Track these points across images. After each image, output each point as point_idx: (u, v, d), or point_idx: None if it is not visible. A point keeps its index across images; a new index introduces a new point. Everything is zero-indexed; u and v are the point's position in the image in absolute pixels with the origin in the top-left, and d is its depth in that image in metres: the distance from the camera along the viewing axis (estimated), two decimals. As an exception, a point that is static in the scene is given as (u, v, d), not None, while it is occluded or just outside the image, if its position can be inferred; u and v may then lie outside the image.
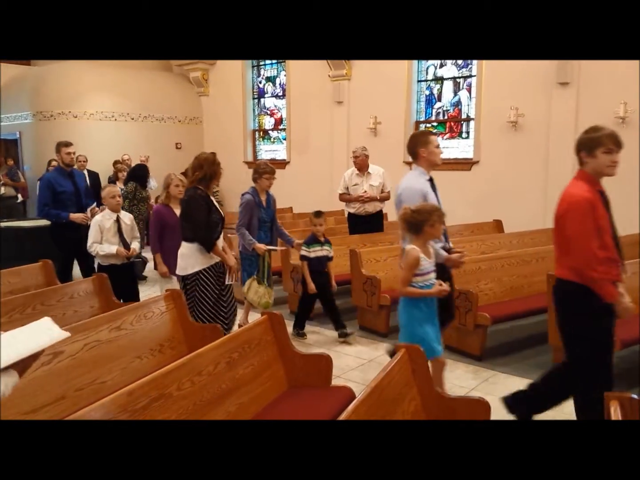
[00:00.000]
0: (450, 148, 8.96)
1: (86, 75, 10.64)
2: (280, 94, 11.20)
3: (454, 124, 8.96)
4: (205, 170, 4.08)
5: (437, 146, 3.78)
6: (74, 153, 5.70)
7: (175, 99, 11.86)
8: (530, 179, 7.92)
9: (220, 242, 4.21)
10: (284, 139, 11.16)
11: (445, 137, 9.03)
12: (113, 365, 3.15)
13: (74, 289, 4.16)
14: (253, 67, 11.56)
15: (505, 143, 8.11)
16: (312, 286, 5.01)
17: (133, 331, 3.39)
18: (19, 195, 9.54)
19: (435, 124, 9.13)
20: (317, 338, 5.22)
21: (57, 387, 2.80)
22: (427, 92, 9.14)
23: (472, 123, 8.63)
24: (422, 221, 3.18)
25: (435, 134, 3.84)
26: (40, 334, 1.43)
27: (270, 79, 11.41)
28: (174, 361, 2.70)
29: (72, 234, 5.50)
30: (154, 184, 8.56)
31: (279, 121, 11.36)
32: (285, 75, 10.93)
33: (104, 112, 10.81)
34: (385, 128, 9.33)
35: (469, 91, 8.68)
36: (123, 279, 4.69)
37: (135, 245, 4.88)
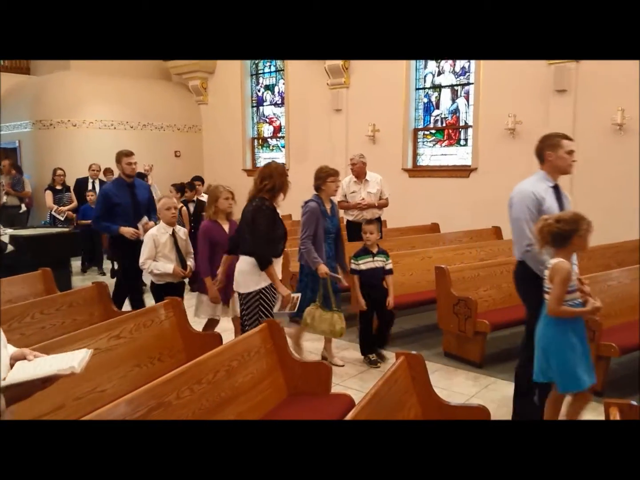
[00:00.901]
0: (449, 155, 8.99)
1: (85, 84, 10.68)
2: (279, 102, 11.24)
3: (452, 132, 8.98)
4: (275, 181, 3.80)
5: (570, 152, 3.49)
6: (135, 163, 5.35)
7: (175, 108, 11.89)
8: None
9: (279, 263, 3.89)
10: (283, 147, 11.19)
11: (443, 144, 9.06)
12: (112, 373, 3.15)
13: (72, 298, 4.16)
14: (252, 75, 11.61)
15: (503, 150, 8.13)
16: (362, 302, 4.57)
17: (132, 339, 3.38)
18: (23, 205, 9.49)
19: (433, 131, 9.16)
20: (317, 346, 5.21)
21: (56, 396, 2.79)
22: (425, 100, 9.18)
23: (470, 130, 8.66)
24: (570, 231, 2.87)
25: (570, 138, 3.57)
26: (59, 362, 1.47)
27: (269, 87, 11.45)
28: (174, 369, 2.69)
29: (127, 248, 5.09)
30: (158, 193, 8.43)
31: (277, 129, 11.39)
32: (283, 84, 10.98)
33: (103, 120, 10.83)
34: (383, 135, 9.36)
35: (467, 99, 8.72)
36: (178, 295, 4.21)
37: (191, 262, 4.55)
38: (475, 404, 2.75)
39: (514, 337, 5.18)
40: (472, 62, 8.52)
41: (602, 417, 2.22)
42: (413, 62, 9.08)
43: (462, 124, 8.84)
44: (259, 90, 11.60)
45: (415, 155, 9.30)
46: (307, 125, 10.48)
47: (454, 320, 4.67)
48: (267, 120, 11.56)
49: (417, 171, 9.20)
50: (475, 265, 5.20)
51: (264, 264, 3.68)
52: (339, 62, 9.47)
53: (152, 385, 2.45)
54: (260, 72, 11.53)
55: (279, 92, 11.25)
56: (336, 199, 6.56)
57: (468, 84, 8.67)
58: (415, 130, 9.26)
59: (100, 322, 3.68)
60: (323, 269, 4.30)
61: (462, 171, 8.69)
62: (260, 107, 11.60)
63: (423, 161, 9.28)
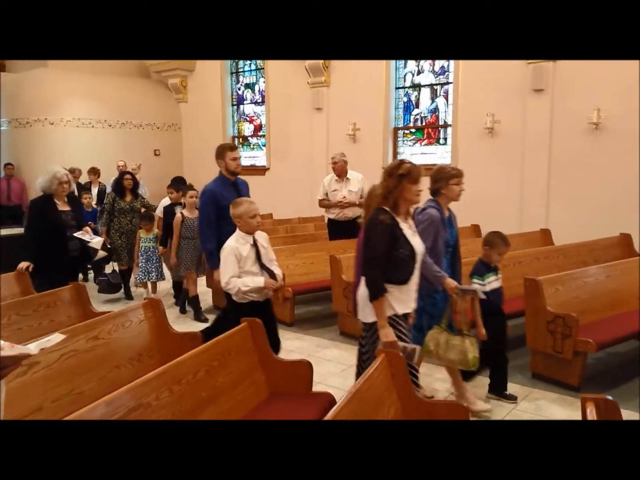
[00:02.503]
0: (429, 154, 9.05)
1: (62, 81, 10.53)
2: (260, 100, 11.20)
3: (432, 131, 9.05)
4: (389, 184, 3.01)
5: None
6: (240, 158, 4.67)
7: (154, 106, 11.79)
8: (506, 183, 8.03)
9: (407, 291, 3.09)
10: (264, 146, 11.16)
11: (423, 143, 9.12)
12: (90, 375, 3.12)
13: (50, 299, 4.10)
14: (232, 73, 11.55)
15: (482, 149, 8.22)
16: (482, 332, 3.66)
17: (111, 340, 3.35)
18: None
19: (413, 130, 9.22)
20: (298, 344, 5.21)
21: (34, 399, 2.75)
22: (405, 99, 9.23)
23: (449, 129, 8.73)
24: None
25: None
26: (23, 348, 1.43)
27: (249, 86, 11.41)
28: (153, 370, 2.67)
29: None
30: (145, 191, 8.26)
31: (258, 128, 11.36)
32: (264, 82, 10.94)
33: (80, 118, 10.70)
34: (364, 134, 9.39)
35: (446, 98, 8.78)
36: (266, 318, 3.57)
37: (277, 270, 3.79)
38: (454, 401, 2.78)
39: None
40: (451, 61, 8.58)
41: (579, 412, 2.26)
42: (393, 61, 9.12)
43: (441, 123, 8.91)
44: (239, 89, 11.55)
45: (395, 154, 9.35)
46: (287, 124, 10.47)
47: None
48: (248, 118, 11.52)
49: (397, 170, 9.22)
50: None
51: (373, 293, 2.98)
52: (319, 61, 9.47)
53: (131, 386, 2.43)
54: (240, 70, 11.48)
55: (259, 91, 11.22)
56: (317, 197, 6.62)
57: (447, 83, 8.74)
58: (396, 129, 9.30)
59: (78, 323, 3.63)
60: (452, 283, 3.50)
61: (442, 170, 8.74)
62: (241, 106, 11.55)
63: (403, 160, 9.31)
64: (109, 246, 6.38)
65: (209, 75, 11.55)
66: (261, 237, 3.74)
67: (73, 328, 3.27)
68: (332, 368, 4.60)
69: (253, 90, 11.36)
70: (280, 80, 10.47)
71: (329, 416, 2.13)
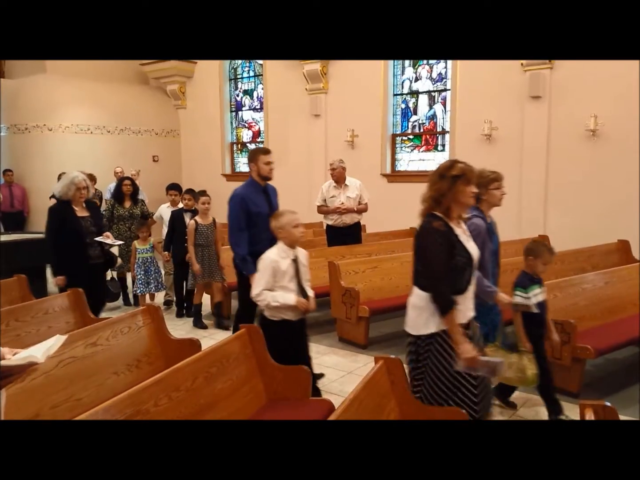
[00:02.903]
0: (427, 161, 9.07)
1: (61, 87, 10.53)
2: (258, 107, 11.23)
3: (430, 137, 9.07)
4: (440, 187, 2.77)
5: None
6: (273, 163, 4.38)
7: (152, 112, 11.80)
8: (504, 189, 8.03)
9: (465, 299, 2.86)
10: (262, 152, 11.16)
11: (421, 149, 9.14)
12: (89, 381, 3.11)
13: (48, 305, 4.09)
14: (230, 80, 11.58)
15: (480, 155, 8.21)
16: (527, 344, 3.47)
17: (109, 347, 3.34)
18: None
19: (411, 137, 9.24)
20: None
21: (32, 405, 2.74)
22: (403, 106, 9.26)
23: (447, 136, 8.76)
24: None
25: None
26: (26, 354, 1.42)
27: (248, 92, 11.44)
28: (151, 377, 2.67)
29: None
30: (144, 197, 8.15)
31: (256, 134, 11.38)
32: (262, 89, 10.97)
33: (79, 124, 10.70)
34: (362, 141, 9.41)
35: (444, 105, 8.81)
36: (297, 338, 3.60)
37: (310, 292, 3.65)
38: (453, 407, 2.77)
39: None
40: (449, 68, 8.62)
41: (577, 418, 2.26)
42: (391, 68, 9.16)
43: (439, 129, 8.93)
44: (237, 95, 11.57)
45: (393, 160, 9.37)
46: (286, 130, 10.49)
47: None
48: (246, 125, 11.54)
49: (395, 176, 9.26)
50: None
51: (444, 307, 2.71)
52: (318, 67, 9.51)
53: (130, 392, 2.42)
54: (239, 76, 11.51)
55: (257, 97, 11.24)
56: (315, 203, 6.63)
57: (445, 90, 8.77)
58: (394, 136, 9.33)
59: (76, 329, 3.62)
60: (505, 298, 3.32)
61: (440, 176, 8.76)
62: (239, 112, 11.57)
63: (401, 166, 9.35)
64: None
65: (208, 81, 11.58)
66: (302, 254, 3.60)
67: (71, 334, 3.26)
68: (331, 374, 4.59)
69: (251, 97, 11.38)
70: (279, 86, 10.50)
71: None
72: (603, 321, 4.50)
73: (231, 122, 11.67)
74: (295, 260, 3.50)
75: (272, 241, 3.66)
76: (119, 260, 5.32)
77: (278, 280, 3.44)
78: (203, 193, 6.07)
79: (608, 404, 2.14)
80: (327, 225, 6.69)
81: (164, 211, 6.77)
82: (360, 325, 5.26)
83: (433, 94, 8.96)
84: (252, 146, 11.48)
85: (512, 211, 7.97)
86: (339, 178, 6.42)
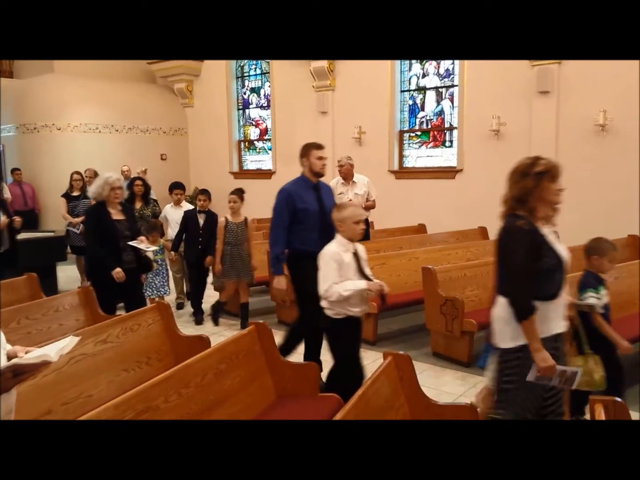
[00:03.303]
0: (434, 157, 9.05)
1: (69, 87, 10.59)
2: (265, 104, 11.23)
3: (437, 133, 9.04)
4: (523, 185, 2.62)
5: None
6: (326, 159, 4.16)
7: (160, 111, 11.84)
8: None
9: (561, 303, 2.65)
10: (270, 149, 11.19)
11: (429, 146, 9.11)
12: (99, 378, 3.13)
13: (59, 302, 4.13)
14: (237, 78, 11.60)
15: (488, 151, 8.21)
16: (625, 344, 3.38)
17: (119, 344, 3.37)
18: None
19: (418, 133, 9.22)
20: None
21: (43, 402, 2.77)
22: (411, 102, 9.23)
23: (455, 132, 8.73)
24: None
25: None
26: (39, 353, 1.43)
27: (255, 90, 11.45)
28: (161, 373, 2.68)
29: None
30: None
31: (264, 131, 11.39)
32: (269, 86, 10.98)
33: (87, 124, 10.76)
34: (369, 137, 9.40)
35: (452, 100, 8.78)
36: (357, 336, 3.54)
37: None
38: (463, 403, 2.77)
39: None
40: (456, 64, 8.58)
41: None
42: (397, 64, 9.13)
43: (447, 125, 8.90)
44: (244, 93, 11.59)
45: (401, 157, 9.35)
46: (293, 127, 10.49)
47: (442, 320, 4.70)
48: (253, 122, 11.56)
49: (403, 173, 9.24)
50: (462, 265, 5.23)
51: (520, 312, 2.51)
52: (325, 65, 9.50)
53: (140, 389, 2.44)
54: (245, 74, 11.52)
55: (264, 95, 11.25)
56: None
57: (452, 86, 8.74)
58: (401, 132, 9.31)
59: (86, 326, 3.65)
60: (569, 299, 3.06)
61: (448, 172, 8.75)
62: (246, 110, 11.59)
63: (409, 163, 9.33)
64: None
65: (215, 79, 11.60)
66: (360, 248, 3.43)
67: (82, 332, 3.29)
68: (340, 371, 4.59)
69: (258, 94, 11.39)
70: (286, 84, 10.50)
71: (336, 419, 2.13)
72: (613, 316, 4.46)
73: (238, 120, 11.69)
74: (355, 254, 3.35)
75: (322, 242, 3.50)
76: (155, 265, 5.18)
77: (343, 273, 3.27)
78: (235, 192, 5.84)
79: (618, 399, 2.13)
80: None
81: (168, 211, 6.64)
82: (369, 322, 5.25)
83: (440, 90, 8.92)
84: (259, 144, 11.49)
85: (520, 207, 7.94)
86: (346, 175, 6.41)
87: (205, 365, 2.86)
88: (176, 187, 6.71)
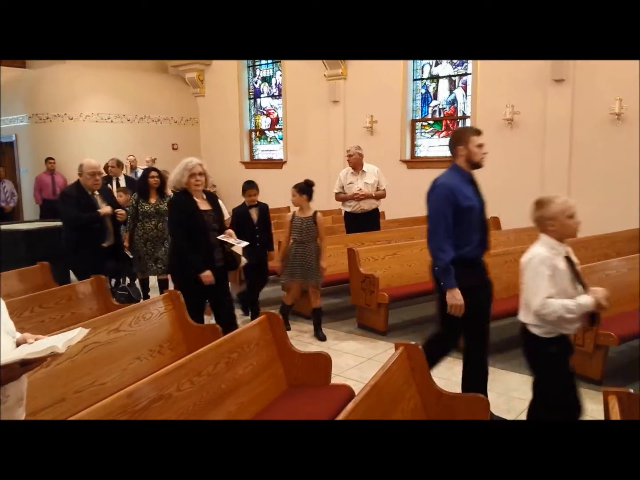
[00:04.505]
0: (447, 146, 8.95)
1: (81, 77, 10.62)
2: (276, 93, 11.19)
3: (450, 122, 8.96)
4: None
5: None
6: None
7: (171, 100, 11.85)
8: (527, 175, 7.93)
9: None
10: (281, 139, 11.16)
11: (441, 135, 9.04)
12: (112, 366, 3.16)
13: (71, 292, 4.16)
14: (249, 67, 11.56)
15: (502, 140, 8.12)
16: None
17: (132, 332, 3.39)
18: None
19: (431, 122, 9.14)
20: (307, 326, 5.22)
21: (56, 390, 2.80)
22: (423, 91, 9.15)
23: (468, 121, 8.64)
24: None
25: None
26: (47, 343, 1.44)
27: (266, 79, 11.41)
28: (174, 362, 2.70)
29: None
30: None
31: (275, 121, 11.36)
32: (281, 76, 10.93)
33: (99, 113, 10.80)
34: (381, 127, 9.34)
35: (465, 89, 8.69)
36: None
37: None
38: (474, 394, 2.76)
39: (514, 328, 5.19)
40: (470, 52, 8.49)
41: (600, 406, 2.23)
42: (410, 52, 9.05)
43: (460, 114, 8.82)
44: (256, 82, 11.55)
45: (413, 146, 9.28)
46: (304, 117, 10.45)
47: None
48: (265, 112, 11.53)
49: (415, 162, 9.18)
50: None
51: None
52: (336, 53, 9.43)
53: (153, 377, 2.46)
54: (257, 64, 11.47)
55: (276, 84, 11.21)
56: (333, 190, 6.61)
57: (465, 74, 8.65)
58: (413, 121, 9.24)
59: (99, 315, 3.68)
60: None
61: (460, 162, 8.68)
62: (258, 99, 11.55)
63: (421, 152, 9.26)
64: (131, 255, 5.80)
65: (226, 69, 11.56)
66: (570, 250, 2.85)
67: (95, 320, 3.31)
68: (350, 360, 4.60)
69: (270, 84, 11.35)
70: (297, 73, 10.45)
71: (347, 409, 2.12)
72: (626, 308, 4.42)
73: (249, 110, 11.67)
74: (568, 258, 2.77)
75: (482, 246, 3.22)
76: (243, 260, 4.57)
77: (557, 283, 2.67)
78: (295, 186, 5.25)
79: (632, 391, 2.11)
80: (345, 212, 6.67)
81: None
82: (380, 312, 5.26)
83: (454, 78, 8.83)
84: (270, 134, 11.46)
85: (534, 196, 7.81)
86: (355, 164, 6.40)
87: (217, 354, 2.88)
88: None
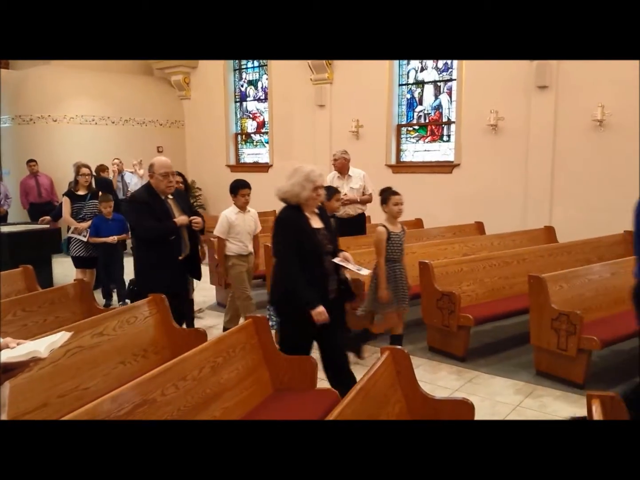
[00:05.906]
0: (432, 151, 9.03)
1: (66, 79, 10.53)
2: (263, 97, 11.19)
3: (435, 127, 9.03)
4: None
5: None
6: None
7: (157, 103, 11.79)
8: (510, 181, 8.02)
9: None
10: (267, 143, 11.15)
11: (426, 140, 9.10)
12: (96, 371, 3.12)
13: (54, 295, 4.11)
14: (235, 70, 11.54)
15: (486, 146, 8.20)
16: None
17: (116, 337, 3.35)
18: None
19: (416, 127, 9.20)
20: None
21: (39, 394, 2.76)
22: (409, 96, 9.21)
23: (453, 126, 8.71)
24: None
25: None
26: (30, 347, 1.42)
27: (252, 83, 11.40)
28: (158, 366, 2.68)
29: None
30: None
31: (261, 124, 11.35)
32: (267, 79, 10.93)
33: (84, 115, 10.70)
34: (367, 131, 9.38)
35: (450, 95, 8.76)
36: None
37: None
38: (459, 398, 2.78)
39: (497, 332, 5.24)
40: (455, 58, 8.57)
41: (583, 409, 2.26)
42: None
43: (445, 120, 8.89)
44: (242, 86, 11.54)
45: (398, 151, 9.33)
46: (290, 120, 10.46)
47: (438, 315, 4.71)
48: (251, 115, 11.51)
49: (400, 167, 9.23)
50: (459, 260, 5.23)
51: None
52: (323, 58, 9.47)
53: (137, 382, 2.43)
54: (243, 67, 11.47)
55: (262, 88, 11.21)
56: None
57: (451, 80, 8.72)
58: (399, 126, 9.29)
59: (83, 319, 3.64)
60: None
61: (445, 167, 8.75)
62: (244, 103, 11.54)
63: (406, 157, 9.32)
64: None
65: (212, 72, 11.54)
66: None
67: (78, 324, 3.27)
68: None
69: (256, 87, 11.35)
70: (283, 77, 10.46)
71: (333, 414, 2.13)
72: (609, 312, 4.49)
73: (235, 113, 11.65)
74: None
75: None
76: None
77: None
78: (393, 192, 4.56)
79: (614, 394, 2.13)
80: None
81: (232, 218, 5.12)
82: (367, 317, 5.25)
83: (439, 84, 8.90)
84: (256, 137, 11.45)
85: (517, 202, 7.95)
86: (341, 169, 6.42)
87: (202, 358, 2.86)
88: (243, 186, 5.08)
